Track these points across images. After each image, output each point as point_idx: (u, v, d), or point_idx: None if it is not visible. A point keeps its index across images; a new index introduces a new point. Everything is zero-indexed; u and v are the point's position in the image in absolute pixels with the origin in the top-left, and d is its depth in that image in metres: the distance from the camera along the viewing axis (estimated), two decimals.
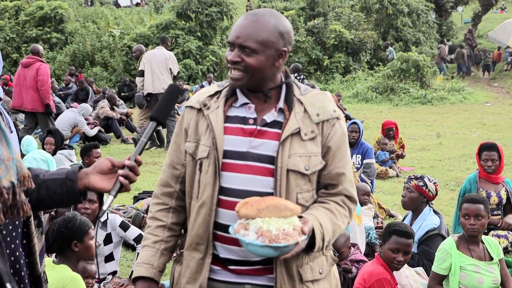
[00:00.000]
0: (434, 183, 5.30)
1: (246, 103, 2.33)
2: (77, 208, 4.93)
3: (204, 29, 23.65)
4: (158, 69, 11.29)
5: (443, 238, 5.01)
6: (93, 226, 4.26)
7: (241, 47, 2.24)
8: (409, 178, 5.40)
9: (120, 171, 2.03)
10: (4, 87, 17.58)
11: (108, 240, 5.04)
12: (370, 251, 5.55)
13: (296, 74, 12.84)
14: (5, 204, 1.75)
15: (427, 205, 5.30)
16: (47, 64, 11.34)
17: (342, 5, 30.23)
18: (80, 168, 2.10)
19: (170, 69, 11.41)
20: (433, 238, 5.03)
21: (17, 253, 2.12)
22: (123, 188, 2.05)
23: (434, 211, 5.32)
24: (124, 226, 5.11)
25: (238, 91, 2.36)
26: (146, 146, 10.77)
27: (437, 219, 5.18)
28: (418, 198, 5.25)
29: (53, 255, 4.14)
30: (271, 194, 2.22)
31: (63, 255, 4.06)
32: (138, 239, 5.01)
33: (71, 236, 4.08)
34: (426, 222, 5.17)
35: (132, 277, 2.41)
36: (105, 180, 2.06)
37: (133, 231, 5.12)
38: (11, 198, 1.77)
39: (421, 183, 5.24)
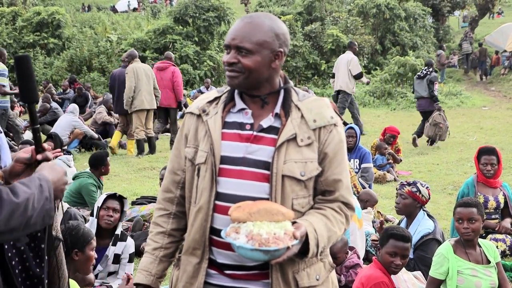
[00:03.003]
0: (427, 187, 5.31)
1: (244, 109, 2.34)
2: (100, 216, 4.97)
3: (202, 34, 23.67)
4: (342, 70, 13.78)
5: (438, 242, 5.02)
6: (95, 238, 4.28)
7: (237, 48, 2.26)
8: (401, 185, 5.38)
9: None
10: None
11: (116, 259, 5.04)
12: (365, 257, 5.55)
13: (426, 67, 13.49)
14: None
15: (421, 210, 5.30)
16: (177, 67, 13.28)
17: (339, 9, 30.28)
18: None
19: (350, 70, 13.70)
20: (428, 243, 5.02)
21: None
22: None
23: (428, 215, 5.32)
24: (131, 257, 5.13)
25: (236, 96, 2.37)
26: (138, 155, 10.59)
27: (431, 223, 5.17)
28: (412, 204, 5.25)
29: None
30: (266, 199, 2.22)
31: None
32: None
33: (73, 245, 4.09)
34: (420, 227, 5.16)
35: (133, 282, 2.49)
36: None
37: (130, 267, 5.11)
38: None
39: (414, 189, 5.23)
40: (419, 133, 13.19)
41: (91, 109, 16.51)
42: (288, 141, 2.25)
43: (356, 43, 14.70)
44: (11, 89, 11.20)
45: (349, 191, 2.36)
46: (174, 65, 12.73)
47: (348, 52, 14.27)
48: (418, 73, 13.54)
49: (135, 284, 2.46)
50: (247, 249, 2.05)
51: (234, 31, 2.29)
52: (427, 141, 13.13)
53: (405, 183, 5.37)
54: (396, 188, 5.51)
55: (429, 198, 5.33)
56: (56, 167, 2.01)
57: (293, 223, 2.16)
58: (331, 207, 2.32)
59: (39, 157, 2.05)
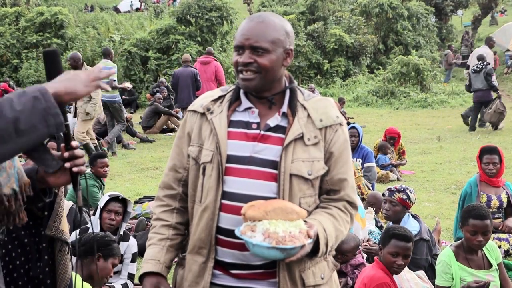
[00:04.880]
0: (414, 193, 5.33)
1: (250, 108, 2.34)
2: (102, 219, 4.99)
3: (204, 34, 23.64)
4: (472, 66, 14.85)
5: (426, 241, 5.01)
6: (119, 259, 4.44)
7: (252, 48, 2.25)
8: (390, 191, 5.32)
9: (67, 164, 2.02)
10: (4, 94, 17.61)
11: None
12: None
13: (481, 61, 14.54)
14: (6, 211, 1.74)
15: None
16: (218, 61, 14.53)
17: (342, 9, 30.24)
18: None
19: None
20: (416, 245, 4.98)
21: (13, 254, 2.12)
22: (80, 175, 2.07)
23: (413, 216, 5.30)
24: (133, 257, 5.14)
25: (242, 95, 2.37)
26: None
27: (416, 224, 5.16)
28: (402, 211, 5.24)
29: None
30: (274, 198, 2.23)
31: (81, 260, 4.11)
32: (131, 275, 5.06)
33: (101, 248, 4.17)
34: None
35: (140, 273, 2.41)
36: (61, 176, 2.06)
37: (133, 267, 5.13)
38: (13, 205, 1.76)
39: (405, 196, 5.21)
40: (482, 123, 14.84)
41: None
42: (295, 140, 2.26)
43: (494, 39, 16.83)
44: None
45: (353, 190, 2.38)
46: (216, 59, 14.06)
47: (484, 46, 16.18)
48: (473, 68, 14.70)
49: (143, 275, 2.39)
50: (263, 247, 2.05)
51: (247, 31, 2.28)
52: (478, 125, 14.79)
53: (394, 189, 5.32)
54: (383, 194, 5.46)
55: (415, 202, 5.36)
56: (73, 76, 1.93)
57: (304, 222, 2.17)
58: (337, 206, 2.33)
59: (65, 154, 2.00)
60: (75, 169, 2.02)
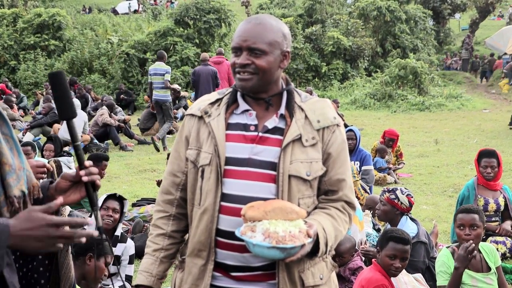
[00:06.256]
0: (408, 195, 5.25)
1: (247, 110, 2.35)
2: (100, 216, 4.99)
3: (202, 36, 23.66)
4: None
5: (424, 244, 5.01)
6: (113, 257, 4.38)
7: (250, 49, 2.27)
8: (383, 191, 5.35)
9: (85, 178, 2.01)
10: (2, 95, 17.60)
11: (116, 261, 5.05)
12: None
13: None
14: (15, 213, 1.73)
15: (403, 215, 5.27)
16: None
17: (340, 12, 30.31)
18: (51, 182, 2.08)
19: None
20: (414, 247, 4.98)
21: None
22: (96, 190, 2.07)
23: (411, 218, 5.30)
24: (131, 259, 5.14)
25: (239, 98, 2.37)
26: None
27: (414, 226, 5.15)
28: (391, 211, 5.23)
29: None
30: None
31: (73, 262, 4.10)
32: (129, 277, 5.04)
33: (91, 248, 4.15)
34: None
35: (133, 284, 2.46)
36: (71, 194, 2.06)
37: (131, 269, 5.12)
38: (21, 207, 1.76)
39: (392, 196, 5.21)
40: None
41: (92, 110, 16.55)
42: (293, 142, 2.26)
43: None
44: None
45: (351, 191, 2.39)
46: (227, 59, 14.45)
47: None
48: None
49: (136, 286, 2.46)
50: (263, 247, 2.05)
51: (244, 32, 2.29)
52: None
53: (386, 189, 5.34)
54: (380, 195, 5.49)
55: (411, 206, 5.26)
56: (33, 217, 1.72)
57: (304, 222, 2.17)
58: (335, 206, 2.34)
59: (82, 173, 2.00)
60: (92, 177, 2.02)
